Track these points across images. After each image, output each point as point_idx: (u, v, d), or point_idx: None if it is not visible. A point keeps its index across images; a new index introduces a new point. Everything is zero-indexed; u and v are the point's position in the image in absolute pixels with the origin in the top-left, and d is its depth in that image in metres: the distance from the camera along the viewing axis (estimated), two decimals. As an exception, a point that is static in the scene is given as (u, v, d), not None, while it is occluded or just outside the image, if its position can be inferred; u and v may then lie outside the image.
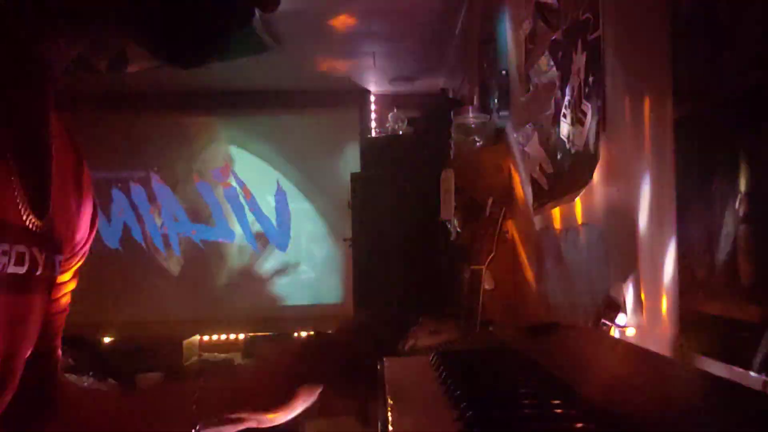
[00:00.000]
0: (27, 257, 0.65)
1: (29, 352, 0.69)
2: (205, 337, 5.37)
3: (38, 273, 0.67)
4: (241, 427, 0.82)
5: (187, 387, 0.83)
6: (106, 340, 5.20)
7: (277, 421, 0.83)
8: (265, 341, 5.24)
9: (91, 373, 4.16)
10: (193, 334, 5.25)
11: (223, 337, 5.41)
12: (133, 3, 0.62)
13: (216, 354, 5.28)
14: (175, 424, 0.81)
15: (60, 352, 0.83)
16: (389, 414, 0.86)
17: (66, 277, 0.81)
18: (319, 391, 0.84)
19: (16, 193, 0.63)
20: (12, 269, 0.62)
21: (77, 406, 0.84)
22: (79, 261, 0.82)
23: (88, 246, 0.82)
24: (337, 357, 0.85)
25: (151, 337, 4.93)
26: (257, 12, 0.67)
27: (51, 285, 0.73)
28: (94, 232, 0.83)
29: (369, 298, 3.97)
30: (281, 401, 0.82)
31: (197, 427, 0.79)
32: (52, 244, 0.70)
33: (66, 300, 0.82)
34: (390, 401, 0.91)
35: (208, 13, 0.63)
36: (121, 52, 0.67)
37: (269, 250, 5.55)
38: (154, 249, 5.47)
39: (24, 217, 0.64)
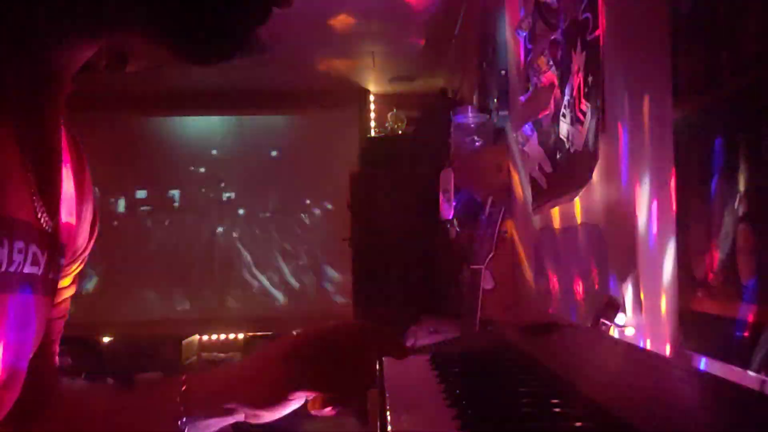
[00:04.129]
0: (40, 258, 0.64)
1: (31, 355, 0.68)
2: (205, 337, 5.37)
3: (40, 273, 0.65)
4: (231, 419, 0.80)
5: (175, 380, 0.80)
6: (106, 339, 5.19)
7: (267, 418, 0.80)
8: (265, 341, 5.23)
9: (89, 374, 4.16)
10: (193, 334, 5.25)
11: (223, 336, 5.41)
12: (151, 4, 0.60)
13: (215, 354, 5.27)
14: (164, 416, 0.78)
15: (57, 358, 0.82)
16: (388, 413, 0.86)
17: (66, 282, 0.79)
18: (311, 394, 0.79)
19: (32, 192, 0.62)
20: (28, 269, 0.61)
21: (72, 407, 0.83)
22: (79, 266, 0.81)
23: (88, 251, 0.81)
24: (334, 360, 0.80)
25: (151, 336, 4.92)
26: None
27: (54, 288, 0.73)
28: (95, 238, 0.82)
29: (369, 298, 3.97)
30: (271, 399, 0.79)
31: (183, 420, 0.76)
32: (58, 247, 0.70)
33: (65, 306, 0.81)
34: (389, 400, 0.90)
35: (226, 10, 0.62)
36: (120, 51, 0.67)
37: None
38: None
39: (39, 216, 0.63)
